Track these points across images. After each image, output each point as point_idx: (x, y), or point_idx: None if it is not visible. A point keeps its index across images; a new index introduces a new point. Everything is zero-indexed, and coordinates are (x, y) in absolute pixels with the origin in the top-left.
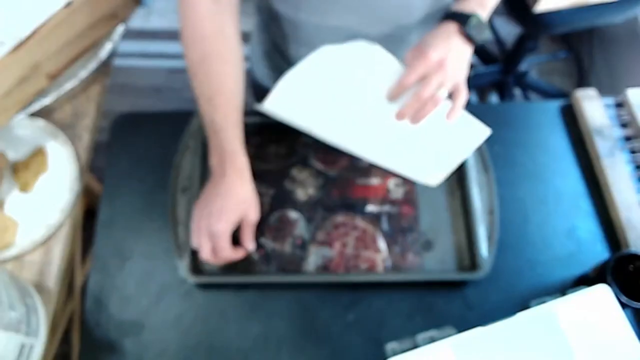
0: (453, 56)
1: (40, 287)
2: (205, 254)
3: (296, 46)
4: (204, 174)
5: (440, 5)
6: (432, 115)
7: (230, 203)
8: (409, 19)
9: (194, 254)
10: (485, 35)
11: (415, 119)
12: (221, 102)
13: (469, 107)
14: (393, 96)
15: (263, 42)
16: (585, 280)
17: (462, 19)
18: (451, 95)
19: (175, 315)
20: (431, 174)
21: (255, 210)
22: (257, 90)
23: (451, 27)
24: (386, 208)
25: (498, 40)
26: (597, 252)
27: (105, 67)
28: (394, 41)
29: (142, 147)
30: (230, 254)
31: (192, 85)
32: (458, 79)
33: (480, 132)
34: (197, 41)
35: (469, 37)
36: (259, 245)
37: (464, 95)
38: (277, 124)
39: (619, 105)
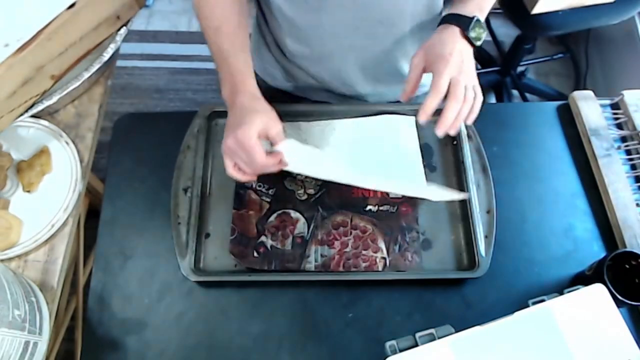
0: (466, 58)
1: (43, 286)
2: (242, 169)
3: (293, 42)
4: (206, 173)
5: (432, 4)
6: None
7: (246, 114)
8: (401, 17)
9: (196, 253)
10: (483, 38)
11: (457, 122)
12: (228, 30)
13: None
14: (430, 109)
15: (262, 35)
16: (582, 279)
17: (463, 23)
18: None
19: (176, 313)
20: (430, 190)
21: (275, 119)
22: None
23: (453, 30)
24: (385, 207)
25: (495, 41)
26: (594, 251)
27: (108, 68)
28: (388, 39)
29: (144, 147)
30: (264, 159)
31: (199, 24)
32: (475, 80)
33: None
34: None
35: (469, 40)
36: (260, 244)
37: (481, 96)
38: None
39: (615, 106)
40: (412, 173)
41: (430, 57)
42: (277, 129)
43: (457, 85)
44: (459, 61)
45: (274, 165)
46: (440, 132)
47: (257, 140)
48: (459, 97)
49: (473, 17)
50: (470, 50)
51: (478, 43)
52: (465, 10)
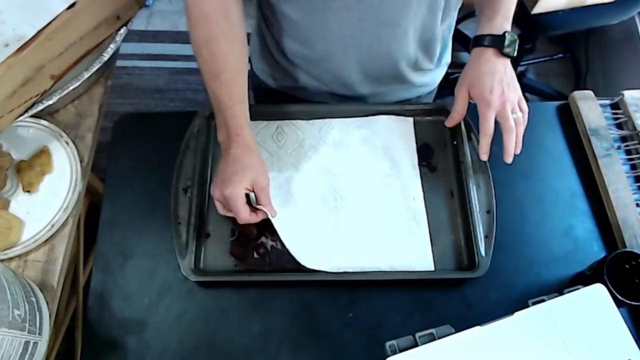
0: (507, 82)
1: (44, 286)
2: (224, 213)
3: (294, 43)
4: (205, 174)
5: (434, 2)
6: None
7: (238, 169)
8: (406, 18)
9: (196, 253)
10: (517, 45)
11: (517, 147)
12: (226, 80)
13: (468, 108)
14: (486, 148)
15: (262, 36)
16: (582, 279)
17: (497, 43)
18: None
19: (176, 313)
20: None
21: (264, 175)
22: (257, 90)
23: (490, 54)
24: None
25: None
26: (594, 251)
27: (108, 68)
28: (391, 40)
29: (143, 148)
30: (248, 216)
31: (198, 64)
32: (518, 95)
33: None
34: (201, 21)
35: (506, 55)
36: (259, 244)
37: (526, 107)
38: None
39: (615, 106)
40: (409, 173)
41: (473, 92)
42: (263, 184)
43: (505, 119)
44: (499, 92)
45: (257, 220)
46: (509, 160)
47: (243, 200)
48: (511, 128)
49: (504, 34)
50: (508, 64)
51: (514, 53)
52: (494, 26)
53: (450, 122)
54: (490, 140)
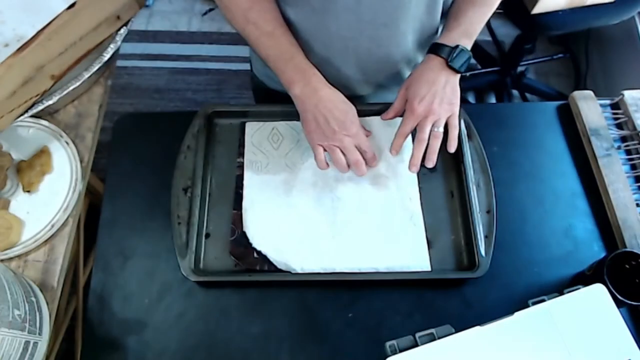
0: (440, 96)
1: (44, 286)
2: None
3: None
4: (206, 173)
5: (432, 3)
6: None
7: (340, 105)
8: (404, 19)
9: (196, 253)
10: (468, 63)
11: (429, 159)
12: (282, 32)
13: (467, 108)
14: (398, 148)
15: None
16: (582, 279)
17: (445, 53)
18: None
19: (176, 313)
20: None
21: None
22: (257, 91)
23: (436, 63)
24: None
25: (496, 41)
26: (594, 251)
27: (108, 68)
28: (390, 42)
29: (144, 147)
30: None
31: (246, 33)
32: (451, 112)
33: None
34: None
35: (452, 69)
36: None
37: (457, 125)
38: None
39: (615, 106)
40: (405, 174)
41: (407, 95)
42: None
43: (420, 130)
44: (427, 103)
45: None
46: (413, 170)
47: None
48: (423, 140)
49: (456, 47)
50: (453, 79)
51: (463, 70)
52: (450, 38)
53: (384, 116)
54: (402, 141)
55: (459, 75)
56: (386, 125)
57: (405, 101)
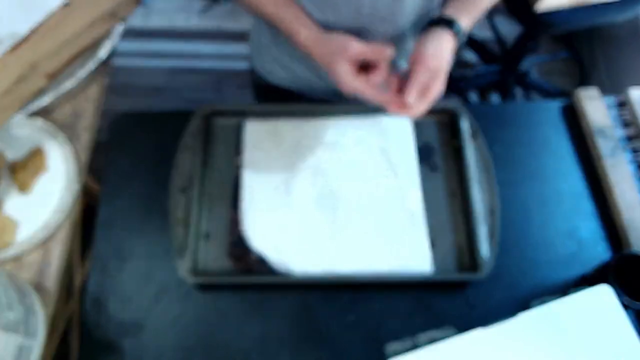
0: (445, 56)
1: (39, 288)
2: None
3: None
4: (204, 174)
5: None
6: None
7: (343, 38)
8: (402, 13)
9: (194, 254)
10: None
11: (417, 108)
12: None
13: (470, 107)
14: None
15: (261, 33)
16: (587, 281)
17: (461, 36)
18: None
19: (174, 315)
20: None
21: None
22: (257, 87)
23: (451, 41)
24: None
25: (499, 39)
26: (599, 252)
27: (104, 66)
28: (388, 37)
29: (141, 147)
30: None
31: (259, 9)
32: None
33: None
34: None
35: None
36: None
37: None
38: None
39: (621, 104)
40: (406, 174)
41: (428, 58)
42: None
43: (426, 92)
44: (436, 64)
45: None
46: (393, 110)
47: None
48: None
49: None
50: (453, 45)
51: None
52: (459, 16)
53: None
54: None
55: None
56: (388, 124)
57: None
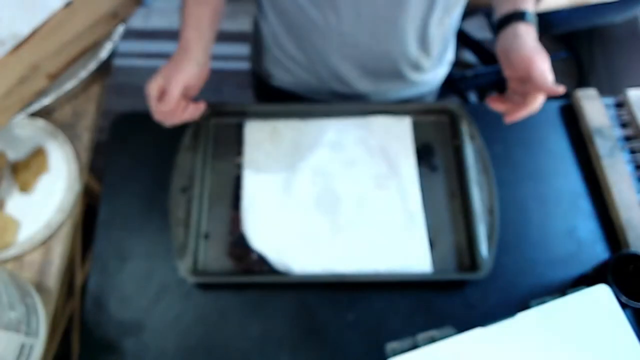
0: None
1: (40, 287)
2: (153, 98)
3: (293, 41)
4: (204, 173)
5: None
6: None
7: (185, 60)
8: (404, 14)
9: (194, 254)
10: None
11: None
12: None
13: (470, 107)
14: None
15: (262, 35)
16: (586, 280)
17: (534, 22)
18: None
19: (174, 315)
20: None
21: (203, 78)
22: (257, 89)
23: (532, 31)
24: None
25: None
26: (597, 252)
27: (105, 67)
28: (390, 38)
29: (141, 147)
30: (175, 103)
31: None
32: None
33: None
34: None
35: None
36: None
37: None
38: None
39: (619, 105)
40: (406, 174)
41: (534, 70)
42: (178, 78)
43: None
44: (542, 52)
45: (190, 115)
46: (509, 120)
47: (180, 83)
48: (535, 109)
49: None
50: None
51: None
52: (527, 3)
53: (514, 114)
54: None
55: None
56: (387, 124)
57: (519, 80)
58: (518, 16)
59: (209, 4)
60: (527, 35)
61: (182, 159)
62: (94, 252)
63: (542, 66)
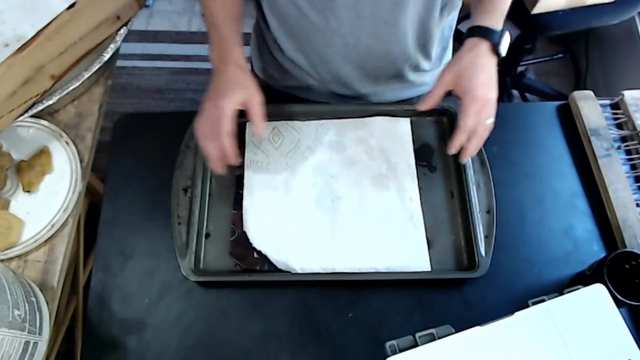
0: (493, 83)
1: (44, 286)
2: (212, 152)
3: (294, 42)
4: (206, 173)
5: (433, 2)
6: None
7: (233, 84)
8: (404, 16)
9: (196, 253)
10: (506, 47)
11: (470, 153)
12: (229, 24)
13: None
14: (459, 144)
15: (262, 36)
16: (582, 279)
17: (493, 38)
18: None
19: (176, 313)
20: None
21: (258, 92)
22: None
23: (484, 48)
24: None
25: None
26: (594, 251)
27: (108, 68)
28: (389, 39)
29: (144, 147)
30: (228, 138)
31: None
32: (494, 104)
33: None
34: None
35: (497, 54)
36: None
37: (492, 120)
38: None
39: (616, 106)
40: (405, 174)
41: (460, 83)
42: (257, 100)
43: (479, 123)
44: (486, 90)
45: (233, 155)
46: (464, 161)
47: (231, 115)
48: (478, 132)
49: (502, 31)
50: (494, 65)
51: (504, 54)
52: (491, 20)
53: (423, 105)
54: (464, 138)
55: (495, 60)
56: (387, 125)
57: (447, 89)
58: (482, 31)
59: (238, 19)
60: (472, 50)
61: (183, 159)
62: (96, 251)
63: (471, 108)
